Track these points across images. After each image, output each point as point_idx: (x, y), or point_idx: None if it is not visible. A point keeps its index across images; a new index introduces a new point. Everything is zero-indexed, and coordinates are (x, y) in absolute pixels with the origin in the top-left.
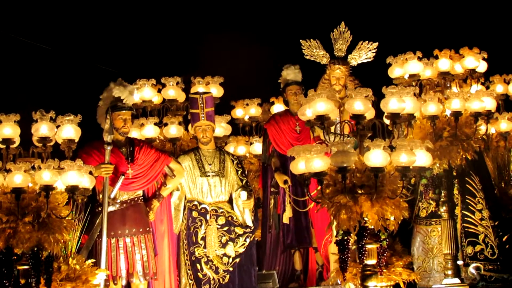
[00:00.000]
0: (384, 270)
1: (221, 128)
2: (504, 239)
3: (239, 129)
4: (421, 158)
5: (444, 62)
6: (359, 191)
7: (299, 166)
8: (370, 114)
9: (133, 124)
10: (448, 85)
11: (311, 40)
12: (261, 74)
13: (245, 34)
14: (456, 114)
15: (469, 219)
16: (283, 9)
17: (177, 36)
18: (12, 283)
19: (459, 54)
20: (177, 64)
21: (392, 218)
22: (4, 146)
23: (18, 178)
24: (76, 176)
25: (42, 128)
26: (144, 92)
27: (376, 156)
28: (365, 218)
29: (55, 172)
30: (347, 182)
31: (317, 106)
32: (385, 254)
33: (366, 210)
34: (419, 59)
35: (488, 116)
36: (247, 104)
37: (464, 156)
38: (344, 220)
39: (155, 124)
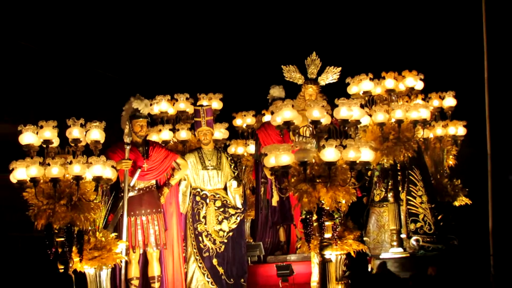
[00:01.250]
0: (338, 242)
1: (221, 132)
2: (438, 218)
3: (239, 134)
4: (366, 154)
5: (389, 82)
6: (318, 180)
7: (271, 161)
8: (326, 120)
9: (153, 130)
10: (393, 98)
11: (290, 65)
12: (254, 91)
13: (241, 61)
14: (399, 122)
15: (411, 203)
16: (268, 42)
17: (189, 61)
18: (53, 251)
19: (401, 75)
20: (189, 83)
21: (343, 202)
22: (45, 146)
23: (55, 170)
24: (101, 168)
25: (74, 132)
26: (161, 105)
27: (329, 153)
28: (322, 201)
29: (83, 165)
30: (307, 173)
31: (284, 113)
32: (338, 229)
33: (323, 195)
34: (371, 79)
35: (424, 123)
36: (245, 115)
37: (406, 154)
38: (306, 203)
39: (170, 129)
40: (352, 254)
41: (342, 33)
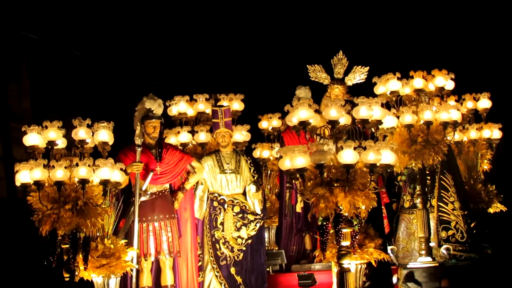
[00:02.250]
0: (358, 250)
1: (242, 135)
2: (471, 226)
3: (264, 137)
4: (387, 157)
5: (418, 81)
6: (335, 184)
7: (286, 163)
8: (346, 120)
9: (171, 132)
10: (424, 99)
11: (315, 65)
12: (280, 92)
13: (267, 62)
14: (428, 123)
15: (443, 209)
16: (294, 41)
17: (212, 60)
18: (56, 258)
19: (431, 75)
20: (212, 83)
21: (363, 207)
22: (50, 147)
23: (59, 173)
24: (108, 171)
25: (80, 133)
26: (180, 106)
27: (347, 155)
28: (340, 207)
29: (90, 168)
30: (324, 177)
31: (300, 113)
32: (357, 237)
33: (341, 200)
34: (398, 79)
35: (454, 125)
36: (270, 117)
37: (435, 158)
38: (323, 208)
39: (188, 131)
40: (373, 263)
41: (370, 31)
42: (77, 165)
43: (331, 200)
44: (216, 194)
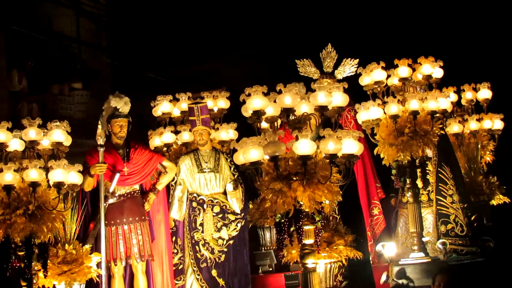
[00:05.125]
0: (326, 248)
1: (227, 133)
2: (472, 219)
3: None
4: (349, 146)
5: (403, 70)
6: (294, 178)
7: (240, 158)
8: (309, 109)
9: (155, 133)
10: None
11: (304, 59)
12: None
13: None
14: (414, 113)
15: (441, 203)
16: (281, 35)
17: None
18: (10, 266)
19: (418, 63)
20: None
21: (326, 202)
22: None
23: (8, 176)
24: (61, 173)
25: (30, 133)
26: (163, 106)
27: (303, 146)
28: (300, 202)
29: (40, 171)
30: (283, 170)
31: (253, 102)
32: (321, 234)
33: (300, 195)
34: (383, 68)
35: (443, 114)
36: None
37: (425, 150)
38: (280, 204)
39: (171, 132)
40: (344, 262)
41: (359, 22)
42: (27, 167)
43: (289, 195)
44: (195, 195)
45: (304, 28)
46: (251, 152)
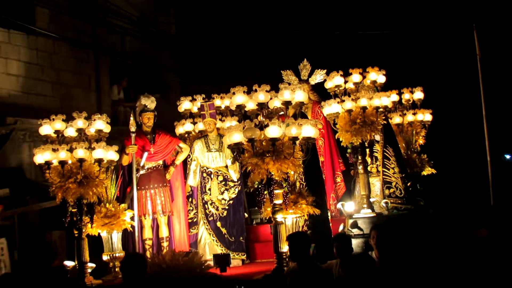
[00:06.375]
0: (293, 206)
1: (230, 124)
2: (408, 185)
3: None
4: (307, 131)
5: (356, 76)
6: (267, 155)
7: (227, 140)
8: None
9: (180, 123)
10: (371, 92)
11: (287, 70)
12: None
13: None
14: (364, 108)
15: (386, 173)
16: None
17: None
18: (68, 219)
19: (367, 71)
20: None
21: (291, 172)
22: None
23: (62, 154)
24: (101, 152)
25: (78, 123)
26: (185, 104)
27: (273, 130)
28: (272, 173)
29: (86, 150)
30: (258, 149)
31: (236, 99)
32: (287, 196)
33: (271, 167)
34: (342, 75)
35: (385, 109)
36: None
37: (372, 135)
38: (256, 175)
39: (191, 123)
40: (306, 216)
41: (326, 43)
42: (75, 148)
43: (263, 168)
44: (205, 167)
45: (286, 47)
46: (234, 136)
